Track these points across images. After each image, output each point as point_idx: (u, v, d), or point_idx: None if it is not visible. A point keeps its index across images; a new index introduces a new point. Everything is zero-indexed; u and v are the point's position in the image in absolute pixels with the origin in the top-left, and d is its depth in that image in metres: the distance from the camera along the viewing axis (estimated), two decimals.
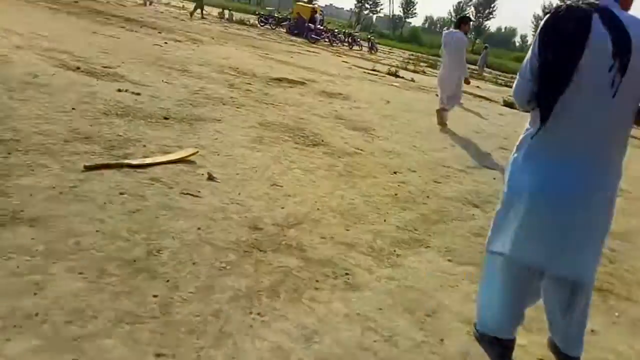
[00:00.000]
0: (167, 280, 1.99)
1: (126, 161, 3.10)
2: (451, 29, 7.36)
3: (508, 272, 1.82)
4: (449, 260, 2.81)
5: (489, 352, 1.93)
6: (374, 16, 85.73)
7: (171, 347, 1.65)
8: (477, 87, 14.51)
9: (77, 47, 6.76)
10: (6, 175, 2.56)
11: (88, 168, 2.88)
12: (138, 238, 2.26)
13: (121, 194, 2.67)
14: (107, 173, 2.89)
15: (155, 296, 1.88)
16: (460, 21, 7.22)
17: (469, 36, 7.65)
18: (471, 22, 7.41)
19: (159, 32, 11.40)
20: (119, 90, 4.87)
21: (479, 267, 2.61)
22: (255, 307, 1.97)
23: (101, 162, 2.99)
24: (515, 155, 1.79)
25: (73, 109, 3.96)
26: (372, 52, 24.60)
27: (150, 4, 21.79)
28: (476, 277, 2.57)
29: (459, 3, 75.12)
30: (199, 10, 21.86)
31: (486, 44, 30.07)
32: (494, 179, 4.78)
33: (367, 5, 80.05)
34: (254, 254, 2.37)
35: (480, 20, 71.56)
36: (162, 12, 19.37)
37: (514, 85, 1.78)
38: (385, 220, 3.19)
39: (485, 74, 24.16)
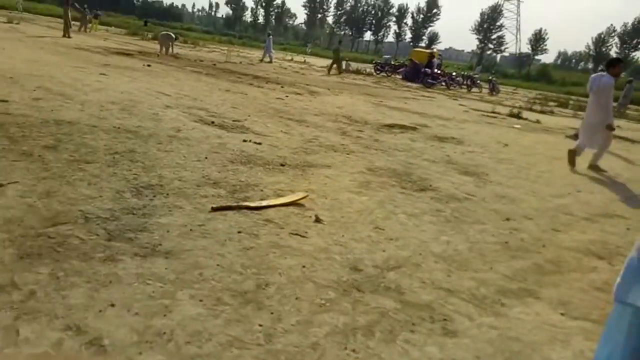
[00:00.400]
0: (272, 313, 2.18)
1: (245, 203, 3.45)
2: (600, 73, 7.17)
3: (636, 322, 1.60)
4: (562, 314, 2.62)
5: None
6: (498, 55, 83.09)
7: None
8: (618, 126, 13.18)
9: (212, 104, 7.74)
10: (150, 215, 3.03)
11: (214, 209, 3.26)
12: (250, 272, 2.50)
13: (239, 232, 2.98)
14: (229, 214, 3.24)
15: (260, 325, 2.07)
16: (609, 64, 7.01)
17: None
18: (622, 64, 7.11)
19: (282, 87, 12.44)
20: (244, 141, 5.44)
21: (597, 324, 2.46)
22: (350, 344, 2.06)
23: (225, 204, 3.37)
24: None
25: (206, 158, 4.53)
26: (493, 93, 23.76)
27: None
28: (592, 333, 2.38)
29: (599, 35, 68.88)
30: (336, 64, 23.22)
31: (630, 78, 27.11)
32: (628, 229, 4.29)
33: (490, 46, 77.95)
34: (353, 294, 2.48)
35: (627, 52, 64.86)
36: (285, 68, 21.07)
37: None
38: (491, 268, 3.08)
39: (629, 111, 21.68)
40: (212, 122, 6.25)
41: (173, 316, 2.03)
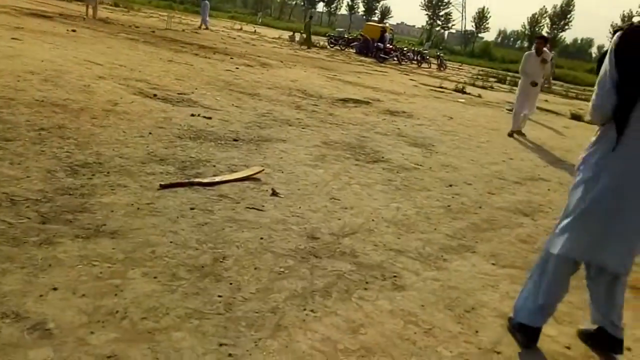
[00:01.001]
0: (231, 283, 2.18)
1: (197, 180, 3.35)
2: None
3: (555, 267, 2.02)
4: (493, 264, 2.94)
5: (517, 337, 2.12)
6: (446, 32, 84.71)
7: (232, 338, 1.83)
8: (546, 100, 13.97)
9: (153, 75, 7.26)
10: (90, 195, 2.84)
11: (163, 187, 3.13)
12: (206, 247, 2.47)
13: (192, 209, 2.91)
14: (180, 191, 3.14)
15: (219, 296, 2.06)
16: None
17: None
18: (539, 40, 7.92)
19: (231, 58, 11.92)
20: (192, 115, 5.21)
21: (520, 270, 2.85)
22: (309, 305, 2.13)
23: (175, 181, 3.25)
24: (582, 167, 1.93)
25: (150, 133, 4.29)
26: (441, 69, 24.20)
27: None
28: (517, 278, 2.71)
29: (533, 15, 72.70)
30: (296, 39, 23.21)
31: (552, 55, 28.19)
32: (548, 190, 4.85)
33: (438, 22, 79.36)
34: (311, 260, 2.53)
35: (556, 32, 69.11)
36: (234, 38, 20.25)
37: (593, 98, 1.87)
38: (435, 229, 3.31)
39: (555, 87, 22.82)
40: (155, 95, 5.88)
41: (125, 294, 1.97)
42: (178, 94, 6.32)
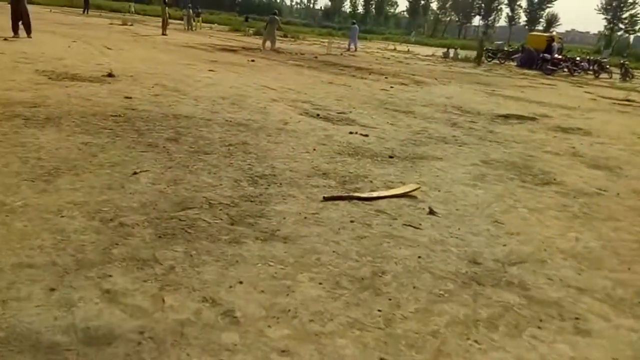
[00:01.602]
0: (390, 299, 2.20)
1: (356, 194, 3.49)
2: None
3: None
4: None
5: None
6: (632, 36, 73.29)
7: (393, 355, 1.83)
8: None
9: (316, 97, 7.88)
10: (267, 202, 3.20)
11: (326, 199, 3.35)
12: (365, 260, 2.54)
13: (352, 221, 3.03)
14: (340, 204, 3.31)
15: (379, 310, 2.10)
16: None
17: None
18: None
19: (385, 77, 12.28)
20: (350, 133, 5.49)
21: None
22: (473, 335, 2.02)
23: (336, 194, 3.45)
24: None
25: (314, 149, 4.65)
26: (626, 79, 21.13)
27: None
28: None
29: None
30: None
31: None
32: None
33: (620, 26, 69.25)
34: (473, 286, 2.41)
35: None
36: (388, 58, 20.76)
37: None
38: (629, 269, 2.83)
39: None
40: (318, 115, 6.37)
41: (295, 296, 2.15)
42: (338, 113, 6.70)
